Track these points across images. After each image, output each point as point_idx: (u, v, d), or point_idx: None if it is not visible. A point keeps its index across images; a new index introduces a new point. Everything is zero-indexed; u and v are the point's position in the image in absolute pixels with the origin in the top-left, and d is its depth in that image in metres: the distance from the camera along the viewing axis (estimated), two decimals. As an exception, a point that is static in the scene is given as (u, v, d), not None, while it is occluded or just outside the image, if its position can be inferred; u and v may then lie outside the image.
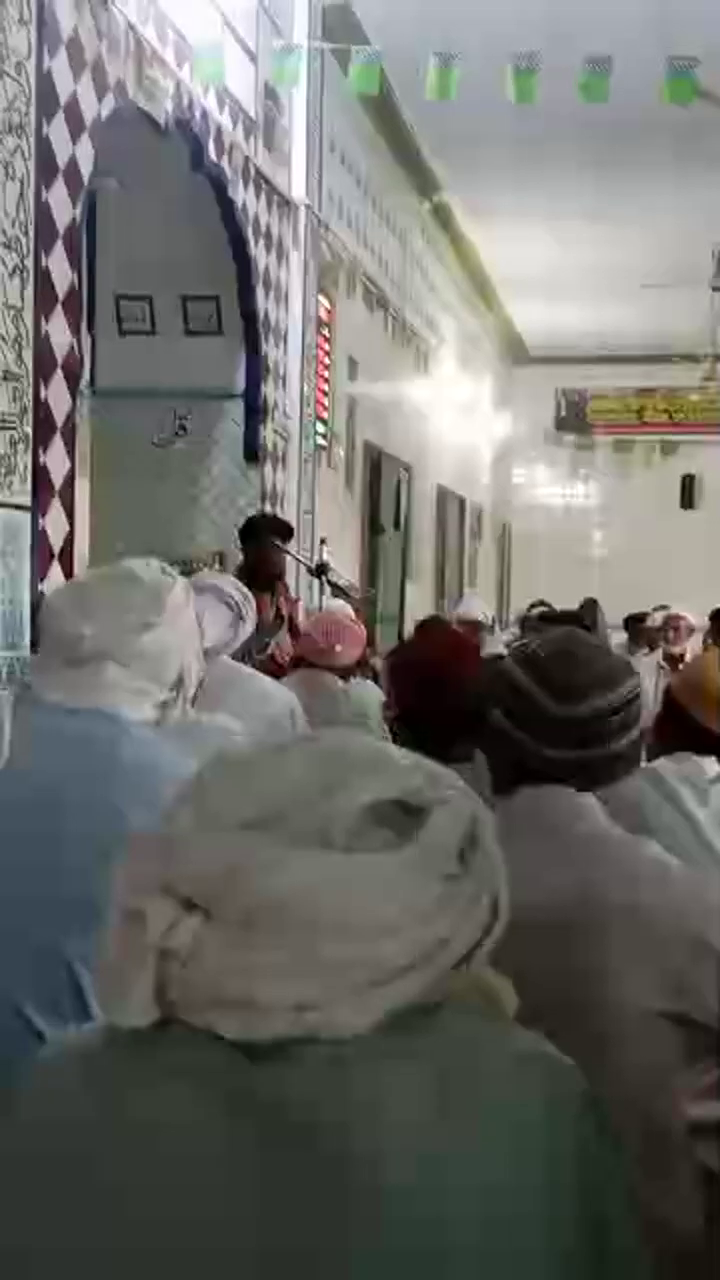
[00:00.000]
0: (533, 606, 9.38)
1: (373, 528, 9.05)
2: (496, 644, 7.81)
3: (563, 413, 15.54)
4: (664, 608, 8.69)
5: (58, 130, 4.42)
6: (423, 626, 7.38)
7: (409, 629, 8.79)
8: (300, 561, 6.15)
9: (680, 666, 6.70)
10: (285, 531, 5.66)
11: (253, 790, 0.96)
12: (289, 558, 5.65)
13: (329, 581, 6.00)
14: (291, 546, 5.75)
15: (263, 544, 5.44)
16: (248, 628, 3.42)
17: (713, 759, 2.61)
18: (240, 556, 5.65)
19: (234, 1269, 0.89)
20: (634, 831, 1.74)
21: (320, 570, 6.09)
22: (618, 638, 9.51)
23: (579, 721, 1.72)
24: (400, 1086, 0.91)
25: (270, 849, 0.92)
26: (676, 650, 7.39)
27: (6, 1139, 0.98)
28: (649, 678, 5.55)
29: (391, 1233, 0.88)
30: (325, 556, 6.68)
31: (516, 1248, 0.90)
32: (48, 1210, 0.93)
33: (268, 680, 3.64)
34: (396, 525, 9.67)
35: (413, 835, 0.95)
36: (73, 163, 4.53)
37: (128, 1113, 0.94)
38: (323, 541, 7.17)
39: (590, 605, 9.31)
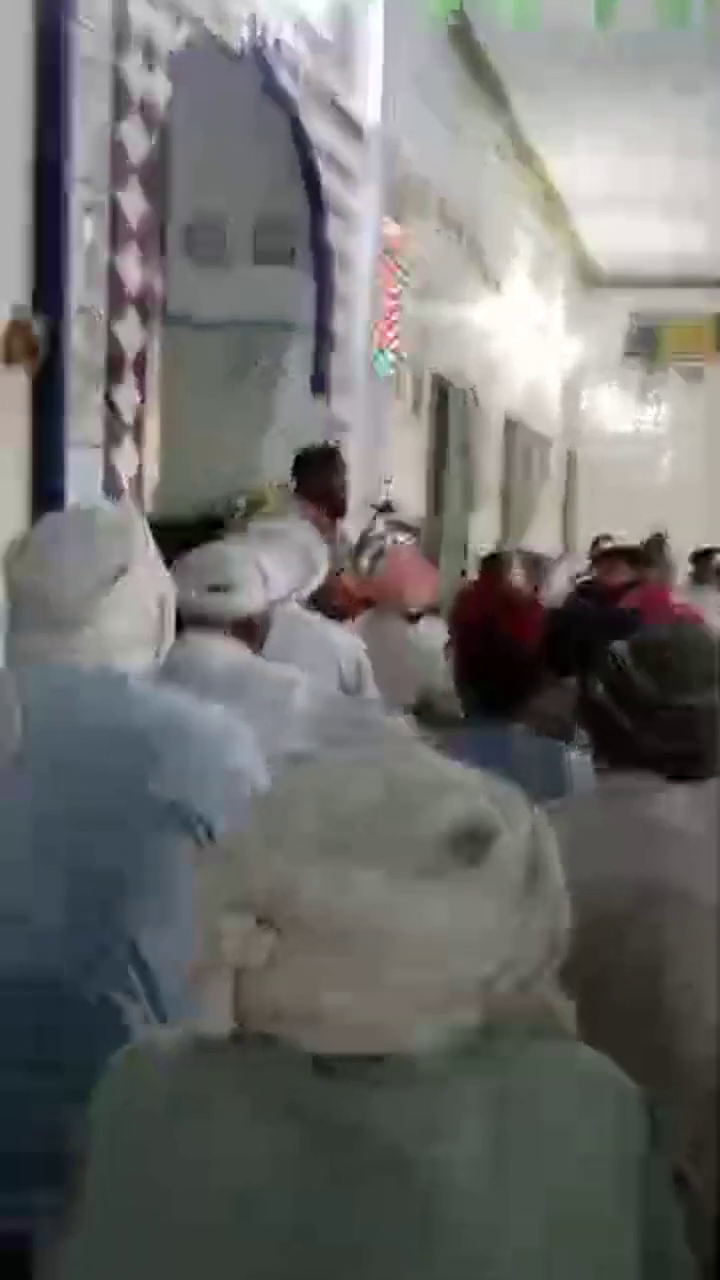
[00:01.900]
0: (598, 541, 9.35)
1: (439, 457, 9.00)
2: (561, 578, 7.80)
3: (635, 338, 15.24)
4: (732, 543, 8.60)
5: (133, 64, 4.38)
6: (485, 567, 7.39)
7: (473, 560, 8.77)
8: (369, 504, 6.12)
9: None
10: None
11: (321, 810, 0.98)
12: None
13: (393, 520, 5.99)
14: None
15: (337, 471, 5.39)
16: (319, 575, 3.45)
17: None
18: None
19: None
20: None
21: (385, 509, 6.08)
22: (683, 571, 9.44)
23: (676, 711, 1.74)
24: (465, 1109, 0.95)
25: (337, 871, 0.94)
26: (744, 590, 7.33)
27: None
28: (715, 617, 5.50)
29: (448, 1267, 0.92)
30: (388, 495, 6.66)
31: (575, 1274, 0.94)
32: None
33: (333, 628, 3.67)
34: (463, 454, 9.60)
35: (479, 859, 0.97)
36: (148, 96, 4.50)
37: (205, 1125, 0.98)
38: (387, 481, 7.14)
39: (656, 541, 9.25)
